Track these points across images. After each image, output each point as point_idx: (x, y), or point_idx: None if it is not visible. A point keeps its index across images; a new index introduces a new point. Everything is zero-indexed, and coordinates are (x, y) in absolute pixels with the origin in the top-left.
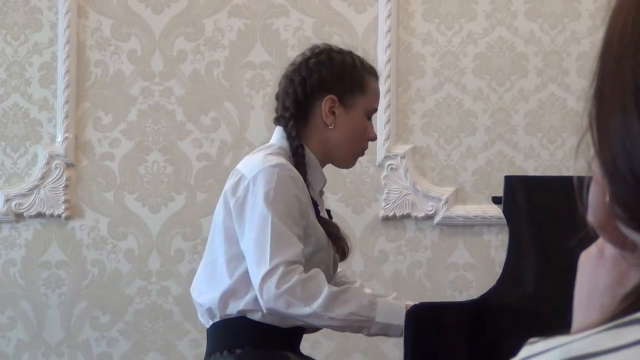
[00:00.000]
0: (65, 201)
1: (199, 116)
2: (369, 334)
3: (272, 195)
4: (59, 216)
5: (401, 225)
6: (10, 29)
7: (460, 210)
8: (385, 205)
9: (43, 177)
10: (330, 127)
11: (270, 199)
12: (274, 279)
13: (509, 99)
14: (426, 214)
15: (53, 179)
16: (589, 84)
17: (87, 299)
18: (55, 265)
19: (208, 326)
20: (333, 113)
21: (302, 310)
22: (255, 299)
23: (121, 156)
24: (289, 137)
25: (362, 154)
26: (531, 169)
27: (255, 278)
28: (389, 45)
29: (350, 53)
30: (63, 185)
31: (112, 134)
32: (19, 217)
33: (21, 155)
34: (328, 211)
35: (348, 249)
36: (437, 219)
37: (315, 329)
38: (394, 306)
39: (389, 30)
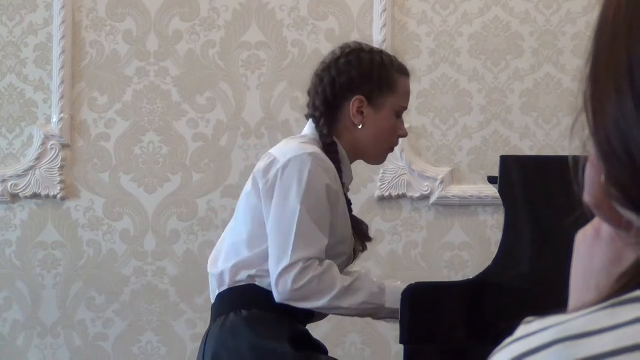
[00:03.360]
0: (61, 182)
1: (195, 96)
2: (378, 318)
3: (303, 185)
4: (55, 197)
5: (397, 205)
6: (5, 10)
7: (456, 190)
8: (381, 186)
9: (39, 158)
10: (359, 127)
11: (302, 189)
12: (292, 274)
13: (505, 78)
14: (422, 194)
15: (49, 160)
16: (584, 64)
17: (82, 279)
18: (51, 245)
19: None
20: (362, 113)
21: (315, 303)
22: (267, 269)
23: (117, 137)
24: (322, 135)
25: (392, 150)
26: (527, 148)
27: (274, 270)
28: (384, 25)
29: (380, 52)
30: (59, 166)
31: (107, 114)
32: (15, 197)
33: (17, 136)
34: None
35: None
36: (432, 199)
37: (322, 317)
38: (401, 291)
39: (384, 10)
